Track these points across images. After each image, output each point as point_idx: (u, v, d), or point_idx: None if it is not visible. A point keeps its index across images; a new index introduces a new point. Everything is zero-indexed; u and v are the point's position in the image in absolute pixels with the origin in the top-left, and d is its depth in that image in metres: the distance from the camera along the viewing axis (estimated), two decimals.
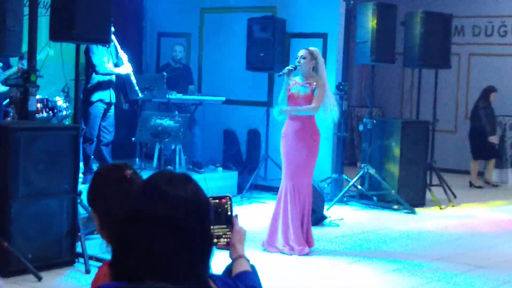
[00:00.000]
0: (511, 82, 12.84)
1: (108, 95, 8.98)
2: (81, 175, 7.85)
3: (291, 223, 6.99)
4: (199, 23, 11.38)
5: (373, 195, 9.66)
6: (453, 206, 9.89)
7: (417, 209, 9.40)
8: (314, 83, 7.07)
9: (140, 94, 9.32)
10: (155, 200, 1.88)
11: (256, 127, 10.40)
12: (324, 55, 10.11)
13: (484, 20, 13.19)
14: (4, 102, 8.52)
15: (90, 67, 8.80)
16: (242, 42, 10.28)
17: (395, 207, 9.43)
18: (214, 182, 9.36)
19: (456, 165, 12.91)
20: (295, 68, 7.14)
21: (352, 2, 9.91)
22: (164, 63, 10.89)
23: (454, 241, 7.88)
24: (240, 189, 9.94)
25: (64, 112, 8.87)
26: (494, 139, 11.78)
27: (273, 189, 9.05)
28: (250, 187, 9.79)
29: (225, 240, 2.38)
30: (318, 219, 8.37)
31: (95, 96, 8.88)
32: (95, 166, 9.23)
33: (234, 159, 10.60)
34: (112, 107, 9.11)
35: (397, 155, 9.65)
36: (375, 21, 9.45)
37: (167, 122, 7.94)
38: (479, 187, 11.76)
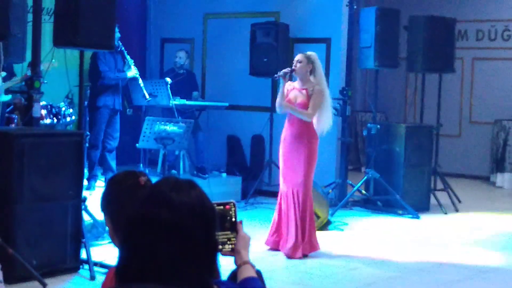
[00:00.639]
0: None
1: (113, 101, 9.01)
2: (85, 181, 7.86)
3: (288, 226, 7.05)
4: (203, 28, 11.39)
5: (378, 200, 9.65)
6: (457, 211, 9.87)
7: (421, 214, 9.39)
8: (311, 89, 7.07)
9: (148, 97, 9.30)
10: (160, 206, 1.89)
11: (260, 132, 10.40)
12: (328, 60, 10.13)
13: (488, 24, 13.18)
14: (8, 109, 8.54)
15: (97, 74, 8.83)
16: (245, 47, 10.29)
17: (400, 212, 9.41)
18: (218, 187, 9.35)
19: (460, 169, 12.89)
20: (292, 71, 7.15)
21: (355, 7, 9.91)
22: (167, 69, 10.91)
23: (458, 246, 7.86)
24: (244, 195, 9.94)
25: (68, 118, 8.88)
26: None
27: (277, 195, 9.04)
28: (254, 193, 9.78)
29: (230, 246, 2.38)
30: (323, 224, 8.37)
31: (100, 102, 8.91)
32: (99, 172, 9.25)
33: (238, 164, 10.60)
34: (118, 113, 9.13)
35: (401, 159, 9.64)
36: (378, 26, 9.45)
37: (171, 128, 7.95)
38: None
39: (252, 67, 10.04)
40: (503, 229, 8.85)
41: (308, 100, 7.06)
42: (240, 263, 2.37)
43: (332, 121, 7.26)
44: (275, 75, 7.34)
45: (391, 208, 9.52)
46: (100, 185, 8.94)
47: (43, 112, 8.30)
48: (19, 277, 5.81)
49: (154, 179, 2.06)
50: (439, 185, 10.37)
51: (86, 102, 8.56)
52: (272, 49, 9.85)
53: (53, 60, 7.24)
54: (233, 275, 2.38)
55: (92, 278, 6.04)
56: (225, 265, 2.36)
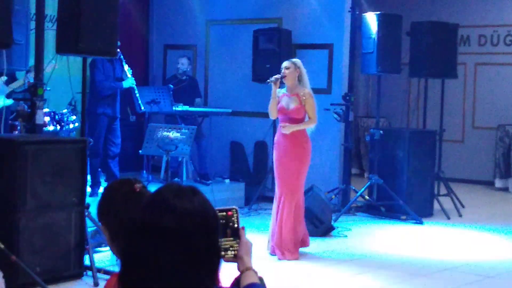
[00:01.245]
0: None
1: (112, 108, 9.03)
2: (88, 188, 7.87)
3: (284, 229, 7.21)
4: (205, 35, 11.41)
5: (381, 206, 9.64)
6: (461, 216, 9.86)
7: (425, 220, 9.38)
8: (302, 94, 7.29)
9: (142, 108, 9.35)
10: (162, 212, 1.89)
11: (263, 138, 10.40)
12: (330, 65, 10.14)
13: (490, 29, 13.19)
14: (11, 116, 8.55)
15: (93, 82, 8.88)
16: (248, 53, 10.30)
17: (403, 217, 9.40)
18: (221, 194, 9.36)
19: (463, 174, 12.88)
20: (283, 77, 7.32)
21: (357, 12, 9.92)
22: (170, 75, 10.92)
23: (462, 251, 7.85)
24: (247, 201, 9.94)
25: (71, 125, 8.89)
26: None
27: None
28: (258, 199, 9.78)
29: (233, 252, 2.38)
30: (326, 230, 8.37)
31: (99, 109, 8.94)
32: (102, 179, 9.26)
33: (241, 170, 10.60)
34: (117, 120, 9.15)
35: (404, 165, 9.63)
36: (380, 32, 9.45)
37: (173, 134, 7.96)
38: None
39: (255, 73, 10.05)
40: (506, 235, 8.83)
41: (300, 105, 7.29)
42: (243, 269, 2.37)
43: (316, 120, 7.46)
44: (267, 81, 7.48)
45: (394, 214, 9.51)
46: None
47: (46, 119, 8.31)
48: (22, 284, 5.81)
49: (157, 186, 2.07)
50: (443, 190, 10.36)
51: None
52: (275, 55, 9.86)
53: (53, 61, 7.25)
54: (236, 281, 2.38)
55: (96, 284, 6.04)
56: (228, 271, 2.36)
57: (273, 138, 9.95)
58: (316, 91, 9.42)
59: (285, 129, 7.30)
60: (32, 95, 6.68)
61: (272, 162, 9.96)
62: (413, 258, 7.48)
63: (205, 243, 1.89)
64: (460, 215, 9.87)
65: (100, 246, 6.85)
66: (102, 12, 6.58)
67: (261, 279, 2.38)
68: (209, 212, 1.95)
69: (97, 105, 9.03)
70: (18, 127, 8.17)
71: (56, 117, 8.73)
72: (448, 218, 9.65)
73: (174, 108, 9.55)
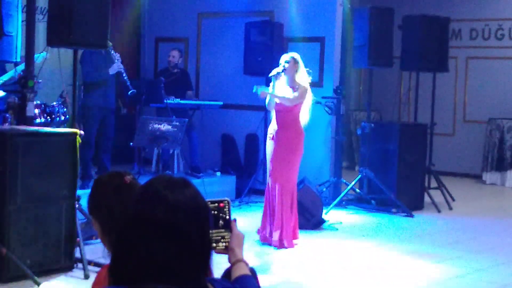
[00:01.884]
0: (508, 85, 12.86)
1: (104, 100, 8.99)
2: (79, 180, 7.84)
3: (279, 218, 7.35)
4: (197, 28, 11.39)
5: (372, 199, 9.65)
6: (451, 209, 9.90)
7: (415, 213, 9.41)
8: (297, 87, 7.45)
9: (131, 89, 9.19)
10: (154, 204, 1.89)
11: (254, 131, 10.40)
12: (322, 59, 10.14)
13: (481, 23, 13.21)
14: (2, 108, 8.51)
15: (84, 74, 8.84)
16: (240, 46, 10.29)
17: (394, 210, 9.43)
18: (212, 186, 9.35)
19: (454, 168, 12.92)
20: (283, 71, 7.46)
21: (349, 6, 9.92)
22: (161, 68, 10.90)
23: (452, 244, 7.88)
24: (238, 194, 9.94)
25: (62, 118, 8.86)
26: None
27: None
28: (249, 192, 9.78)
29: (224, 244, 2.38)
30: (317, 223, 8.38)
31: (91, 101, 8.91)
32: (93, 172, 9.24)
33: (232, 163, 10.60)
34: (111, 112, 9.11)
35: (395, 158, 9.65)
36: (372, 25, 9.45)
37: (165, 127, 7.95)
38: None
39: (247, 66, 10.04)
40: (496, 228, 8.86)
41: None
42: (234, 261, 2.38)
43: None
44: (270, 75, 7.57)
45: (385, 207, 9.53)
46: None
47: (37, 111, 8.28)
48: (13, 276, 5.80)
49: (148, 179, 2.06)
50: (433, 183, 10.38)
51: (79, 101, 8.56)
52: (267, 48, 9.86)
53: (44, 53, 7.23)
54: (227, 273, 2.38)
55: (86, 277, 6.03)
56: (219, 263, 2.36)
57: (265, 131, 10.00)
58: None
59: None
60: (23, 87, 6.65)
61: (264, 154, 10.01)
62: (404, 251, 7.50)
63: (196, 235, 1.89)
64: (451, 208, 9.90)
65: (90, 239, 6.85)
66: (94, 4, 6.56)
67: (252, 270, 2.38)
68: (200, 203, 1.95)
69: (88, 97, 9.00)
70: (9, 119, 8.14)
71: (47, 109, 8.70)
72: (439, 211, 9.68)
73: (165, 101, 9.52)
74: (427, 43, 10.04)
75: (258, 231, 7.58)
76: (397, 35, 10.10)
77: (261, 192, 10.07)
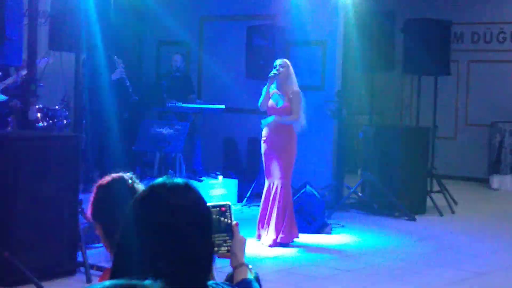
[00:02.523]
0: (509, 88, 12.86)
1: (106, 105, 8.99)
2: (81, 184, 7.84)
3: (275, 218, 7.54)
4: (199, 31, 11.39)
5: (374, 202, 9.65)
6: (454, 212, 9.88)
7: (417, 216, 9.39)
8: (290, 93, 7.66)
9: (133, 97, 9.23)
10: (156, 208, 1.89)
11: (256, 135, 10.38)
12: (324, 62, 10.14)
13: (483, 26, 13.21)
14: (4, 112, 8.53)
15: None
16: (242, 50, 10.29)
17: (396, 214, 9.42)
18: (214, 190, 9.35)
19: (456, 171, 12.90)
20: (278, 74, 7.67)
21: (351, 9, 9.92)
22: (163, 71, 10.90)
23: (455, 248, 7.87)
24: (240, 197, 9.94)
25: (64, 121, 8.87)
26: None
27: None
28: (251, 195, 9.78)
29: (226, 248, 2.38)
30: (319, 226, 8.37)
31: (93, 105, 8.91)
32: (95, 175, 9.23)
33: (234, 167, 10.60)
34: (113, 117, 9.11)
35: (397, 162, 9.64)
36: (374, 29, 9.45)
37: (167, 130, 7.95)
38: None
39: (249, 70, 10.05)
40: (499, 231, 8.85)
41: (289, 103, 7.66)
42: (236, 265, 2.38)
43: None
44: (269, 76, 7.74)
45: (387, 210, 9.52)
46: None
47: (39, 115, 8.29)
48: (15, 280, 5.80)
49: (150, 182, 2.06)
50: (435, 187, 10.38)
51: (84, 105, 8.56)
52: (269, 52, 9.85)
53: (46, 57, 7.24)
54: (229, 277, 2.38)
55: (89, 280, 6.03)
56: (221, 267, 2.36)
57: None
58: (309, 88, 9.44)
59: (270, 123, 7.67)
60: (25, 91, 6.66)
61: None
62: (405, 254, 7.49)
63: (198, 239, 1.89)
64: (453, 212, 9.89)
65: (93, 243, 6.84)
66: (97, 8, 6.57)
67: (256, 275, 2.38)
68: (202, 207, 1.95)
69: (91, 101, 8.99)
70: (11, 123, 8.16)
71: (49, 113, 8.71)
72: (441, 214, 9.67)
73: (167, 105, 9.52)
74: (429, 47, 10.03)
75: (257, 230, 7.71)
76: (399, 39, 10.10)
77: None
